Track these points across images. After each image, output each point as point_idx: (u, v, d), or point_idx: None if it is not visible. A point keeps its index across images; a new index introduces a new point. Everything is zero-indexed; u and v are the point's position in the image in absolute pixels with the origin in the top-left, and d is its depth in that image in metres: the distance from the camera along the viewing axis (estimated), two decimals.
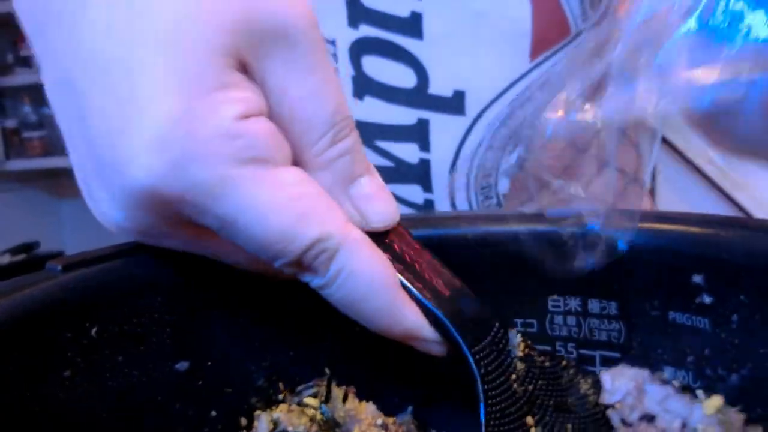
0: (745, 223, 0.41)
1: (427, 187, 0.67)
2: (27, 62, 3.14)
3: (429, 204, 0.68)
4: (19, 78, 3.16)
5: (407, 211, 0.67)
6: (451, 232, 0.43)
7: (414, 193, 0.68)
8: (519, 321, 0.43)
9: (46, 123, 3.26)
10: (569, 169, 0.80)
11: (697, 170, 1.38)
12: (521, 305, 0.43)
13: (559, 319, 0.43)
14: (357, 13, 0.63)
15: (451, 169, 0.66)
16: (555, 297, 0.43)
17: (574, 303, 0.42)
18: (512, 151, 0.68)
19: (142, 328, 0.38)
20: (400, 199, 0.68)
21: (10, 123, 3.27)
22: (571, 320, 0.43)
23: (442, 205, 0.68)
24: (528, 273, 0.42)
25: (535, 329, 0.43)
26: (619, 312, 0.42)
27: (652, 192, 0.84)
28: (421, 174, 0.67)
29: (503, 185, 0.70)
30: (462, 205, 0.68)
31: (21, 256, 3.07)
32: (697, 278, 0.39)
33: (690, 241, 0.40)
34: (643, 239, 0.41)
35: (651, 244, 0.40)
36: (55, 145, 3.23)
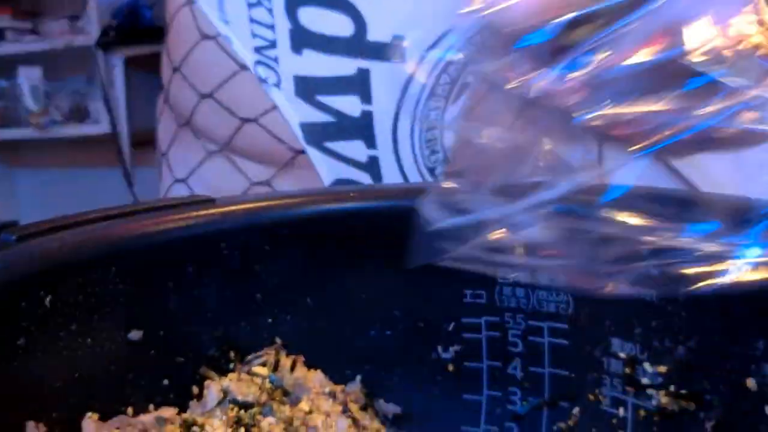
0: (692, 197, 0.42)
1: (371, 143, 0.65)
2: None
3: (373, 161, 0.66)
4: None
5: (352, 170, 0.65)
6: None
7: (357, 149, 0.66)
8: (468, 292, 0.44)
9: (1, 94, 3.21)
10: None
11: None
12: (471, 275, 0.42)
13: (507, 290, 0.43)
14: None
15: (395, 120, 0.64)
16: None
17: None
18: (455, 100, 0.66)
19: (95, 297, 0.38)
20: (343, 158, 0.66)
21: None
22: (520, 292, 0.43)
23: (387, 162, 0.66)
24: None
25: (485, 300, 0.44)
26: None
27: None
28: (363, 128, 0.65)
29: (449, 138, 0.68)
30: (407, 160, 0.66)
31: None
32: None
33: None
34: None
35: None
36: (10, 116, 3.18)
